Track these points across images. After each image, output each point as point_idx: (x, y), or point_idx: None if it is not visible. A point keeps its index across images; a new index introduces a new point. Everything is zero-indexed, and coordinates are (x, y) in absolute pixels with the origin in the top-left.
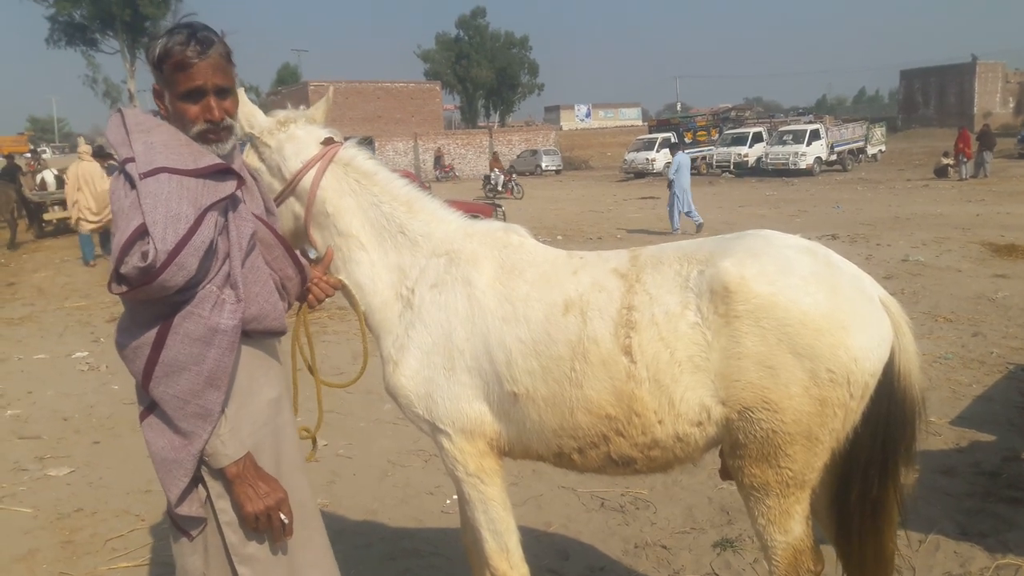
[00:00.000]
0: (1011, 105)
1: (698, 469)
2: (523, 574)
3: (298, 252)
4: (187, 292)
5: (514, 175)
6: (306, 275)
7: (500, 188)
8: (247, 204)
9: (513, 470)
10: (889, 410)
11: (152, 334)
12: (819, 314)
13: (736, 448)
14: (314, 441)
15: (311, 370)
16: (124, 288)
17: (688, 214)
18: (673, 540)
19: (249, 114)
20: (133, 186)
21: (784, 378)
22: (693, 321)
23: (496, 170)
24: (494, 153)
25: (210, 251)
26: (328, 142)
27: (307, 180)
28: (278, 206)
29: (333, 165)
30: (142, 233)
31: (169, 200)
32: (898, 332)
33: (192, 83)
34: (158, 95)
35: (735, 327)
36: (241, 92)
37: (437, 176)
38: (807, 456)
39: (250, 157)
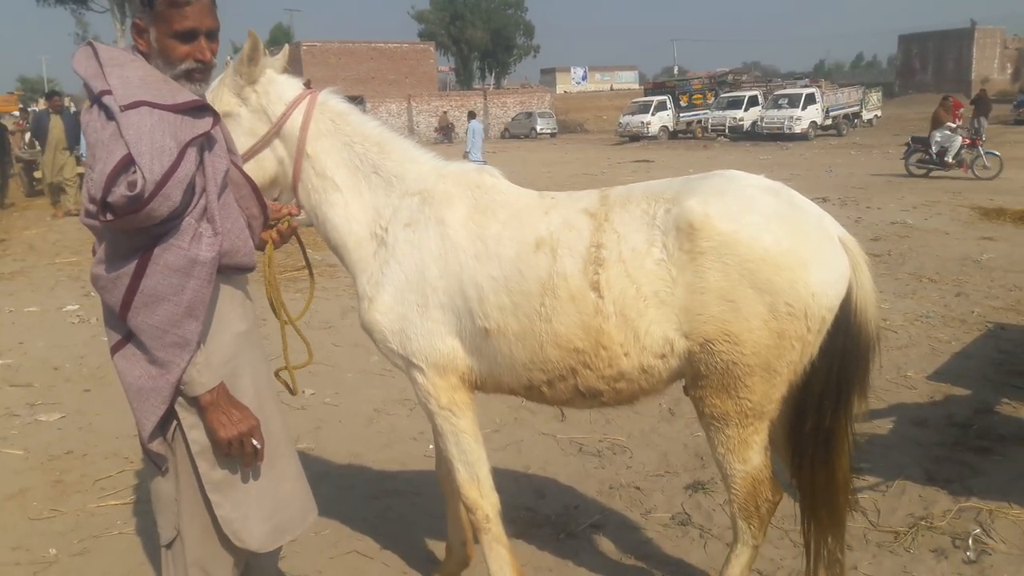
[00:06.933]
0: (1009, 71)
1: (675, 418)
2: (493, 503)
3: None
4: (168, 224)
5: (982, 127)
6: (268, 215)
7: (950, 158)
8: (220, 143)
9: (495, 417)
10: (845, 344)
11: (132, 265)
12: (779, 251)
13: (697, 379)
14: (291, 378)
15: (275, 312)
16: (110, 217)
17: None
18: (647, 482)
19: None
20: (110, 118)
21: (745, 312)
22: (659, 258)
23: (948, 125)
24: (946, 97)
25: (190, 185)
26: (307, 85)
27: (293, 122)
28: (261, 150)
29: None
30: (127, 164)
31: (153, 133)
32: (856, 269)
33: (186, 23)
34: (140, 30)
35: (699, 263)
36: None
37: (436, 139)
38: (765, 387)
39: (226, 101)
